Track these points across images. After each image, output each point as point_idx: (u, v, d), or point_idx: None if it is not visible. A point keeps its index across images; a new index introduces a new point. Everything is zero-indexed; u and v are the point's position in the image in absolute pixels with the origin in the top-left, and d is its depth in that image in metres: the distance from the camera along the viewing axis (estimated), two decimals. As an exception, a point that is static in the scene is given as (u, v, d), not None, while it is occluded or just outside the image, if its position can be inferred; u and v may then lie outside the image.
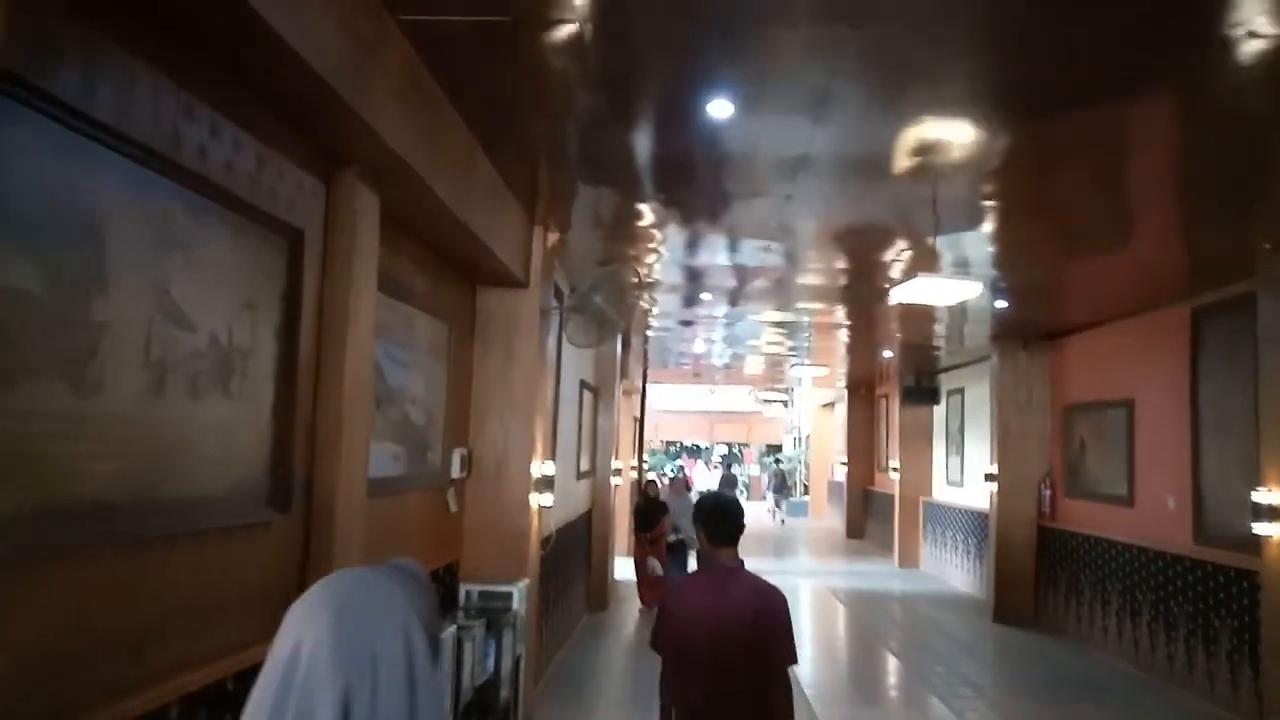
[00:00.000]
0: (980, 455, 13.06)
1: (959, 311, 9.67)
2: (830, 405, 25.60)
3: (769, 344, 12.92)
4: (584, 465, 9.73)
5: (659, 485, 10.70)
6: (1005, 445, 10.77)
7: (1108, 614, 8.85)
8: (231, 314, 2.71)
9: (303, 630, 1.30)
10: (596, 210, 5.89)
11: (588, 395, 9.95)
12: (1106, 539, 8.99)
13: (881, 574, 15.01)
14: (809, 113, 4.03)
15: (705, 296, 8.69)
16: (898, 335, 11.89)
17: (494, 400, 5.81)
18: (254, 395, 2.88)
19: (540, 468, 5.95)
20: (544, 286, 6.01)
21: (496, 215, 5.16)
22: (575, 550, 9.32)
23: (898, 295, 5.61)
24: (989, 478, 10.90)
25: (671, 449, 36.64)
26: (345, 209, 3.34)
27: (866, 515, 20.08)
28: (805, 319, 10.52)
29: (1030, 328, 10.48)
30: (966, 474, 13.85)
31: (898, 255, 6.62)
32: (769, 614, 3.02)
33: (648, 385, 20.60)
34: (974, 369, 13.59)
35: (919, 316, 10.12)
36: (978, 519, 12.87)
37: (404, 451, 4.52)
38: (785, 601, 3.08)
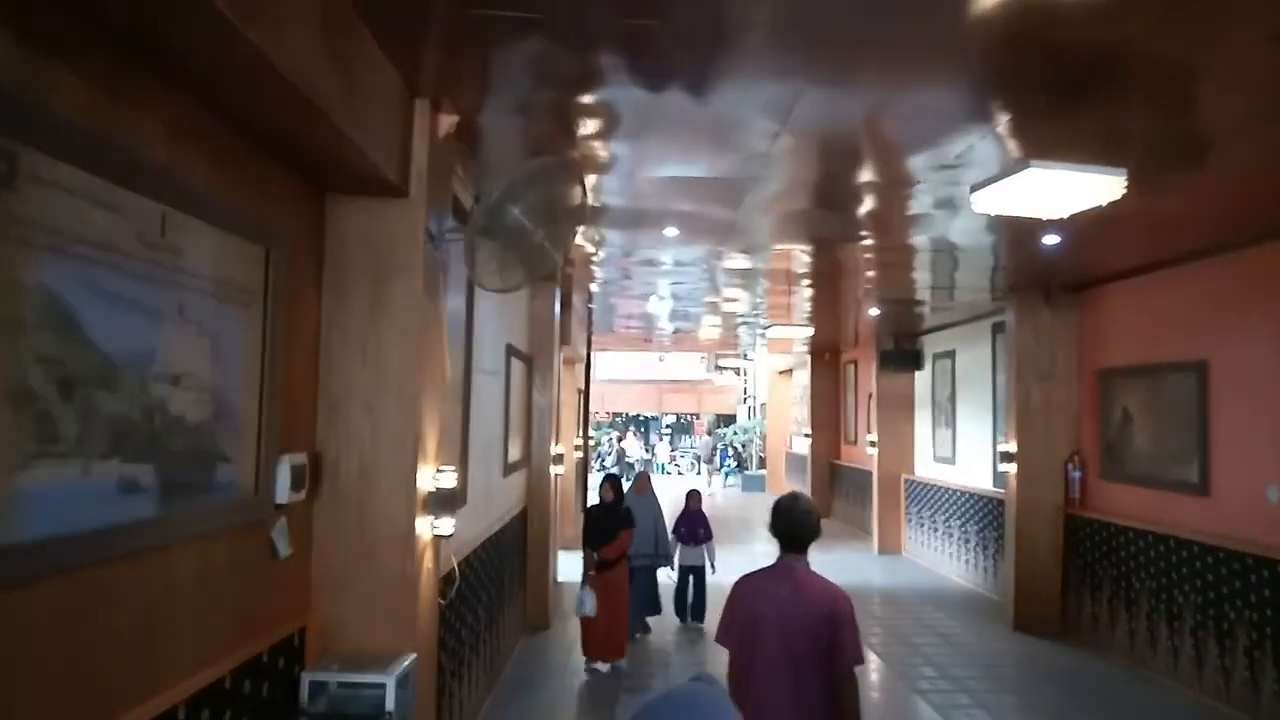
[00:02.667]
0: (978, 429, 11.31)
1: (949, 259, 7.79)
2: (788, 372, 23.86)
3: (726, 300, 10.93)
4: (514, 455, 7.66)
5: (621, 482, 7.89)
6: (1024, 419, 8.96)
7: (1175, 632, 7.09)
8: None
9: None
10: (520, 74, 3.80)
11: (518, 365, 7.86)
12: (1167, 535, 7.23)
13: (860, 562, 13.24)
14: None
15: (669, 232, 6.62)
16: (870, 290, 9.95)
17: (355, 375, 3.70)
18: None
19: (435, 477, 3.88)
20: (434, 197, 3.89)
21: (353, 77, 3.07)
22: (506, 564, 7.27)
23: (984, 202, 3.61)
24: (1005, 458, 9.10)
25: (618, 420, 34.68)
26: None
27: (834, 492, 18.38)
28: (766, 265, 8.46)
29: (1053, 276, 8.65)
30: (960, 449, 12.09)
31: (945, 156, 4.64)
32: (838, 614, 3.13)
33: (593, 353, 18.58)
34: (968, 329, 11.80)
35: (900, 265, 8.19)
36: (977, 502, 11.12)
37: (149, 473, 2.41)
38: (851, 603, 3.20)
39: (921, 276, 8.88)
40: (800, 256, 7.98)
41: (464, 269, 3.83)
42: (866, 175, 5.21)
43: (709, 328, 14.73)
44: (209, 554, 2.77)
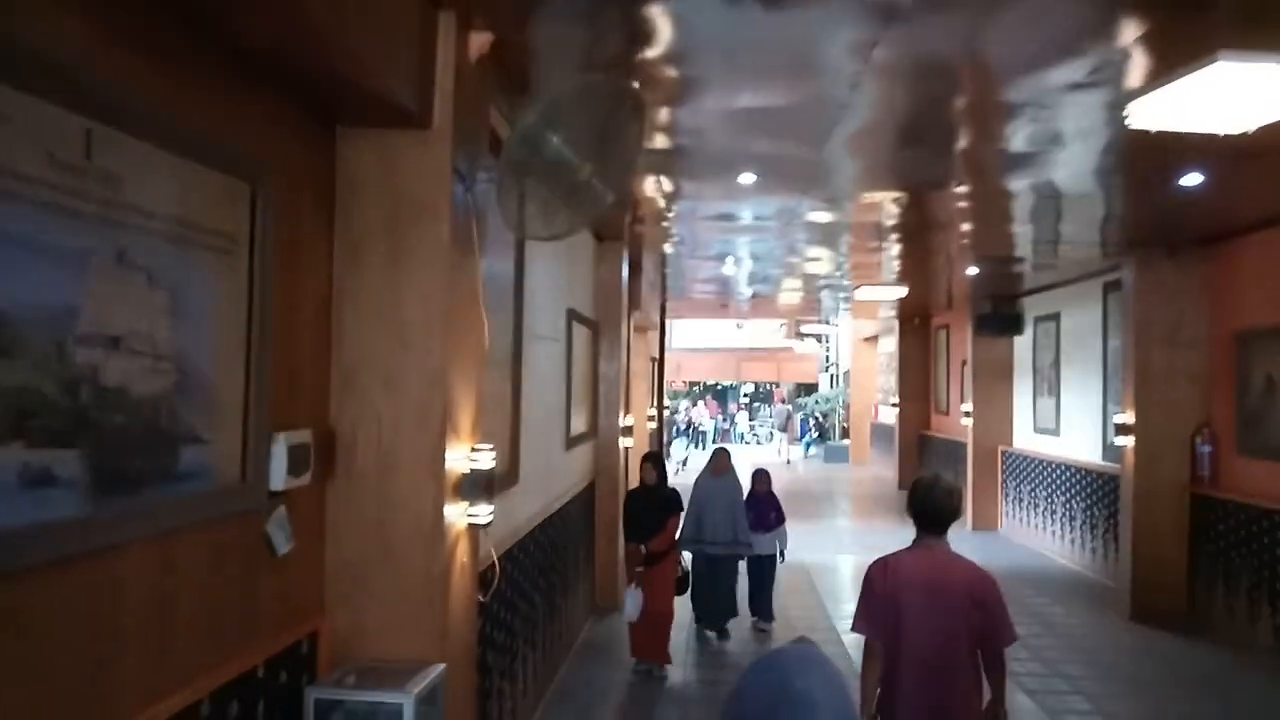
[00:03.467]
0: (1085, 398, 10.34)
1: (1055, 207, 6.87)
2: (873, 339, 22.88)
3: (807, 260, 10.13)
4: (578, 427, 7.12)
5: (664, 461, 7.04)
6: (1144, 387, 8.03)
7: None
8: None
9: None
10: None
11: (582, 331, 7.30)
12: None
13: (952, 539, 12.39)
14: None
15: (745, 179, 5.91)
16: (965, 245, 9.03)
17: (372, 339, 3.16)
18: None
19: (470, 457, 3.33)
20: (464, 129, 3.30)
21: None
22: (571, 543, 6.77)
23: (1146, 114, 2.84)
24: (1121, 430, 8.18)
25: (694, 389, 34.05)
26: None
27: (923, 465, 17.44)
28: (850, 219, 7.63)
29: (1180, 227, 7.66)
30: (1065, 420, 11.13)
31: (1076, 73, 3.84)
32: (987, 597, 3.05)
33: (667, 320, 17.96)
34: (1076, 289, 10.80)
35: (1000, 216, 7.30)
36: (1084, 477, 10.19)
37: (72, 461, 1.89)
38: (998, 584, 3.14)
39: (1023, 230, 7.97)
40: (889, 207, 7.18)
41: (507, 212, 3.24)
42: (966, 101, 4.43)
43: (789, 291, 13.95)
44: (174, 555, 2.26)
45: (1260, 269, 7.24)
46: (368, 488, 3.11)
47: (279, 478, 2.70)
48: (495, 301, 4.21)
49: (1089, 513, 10.06)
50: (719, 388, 36.11)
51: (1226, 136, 4.48)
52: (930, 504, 3.18)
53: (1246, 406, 7.32)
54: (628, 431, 8.47)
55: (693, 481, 7.60)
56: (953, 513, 3.20)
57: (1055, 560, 10.78)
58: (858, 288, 9.27)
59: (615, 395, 8.26)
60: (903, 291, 9.27)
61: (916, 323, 17.74)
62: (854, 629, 3.19)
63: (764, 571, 7.80)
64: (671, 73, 4.13)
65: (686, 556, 7.11)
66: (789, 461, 25.00)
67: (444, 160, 3.20)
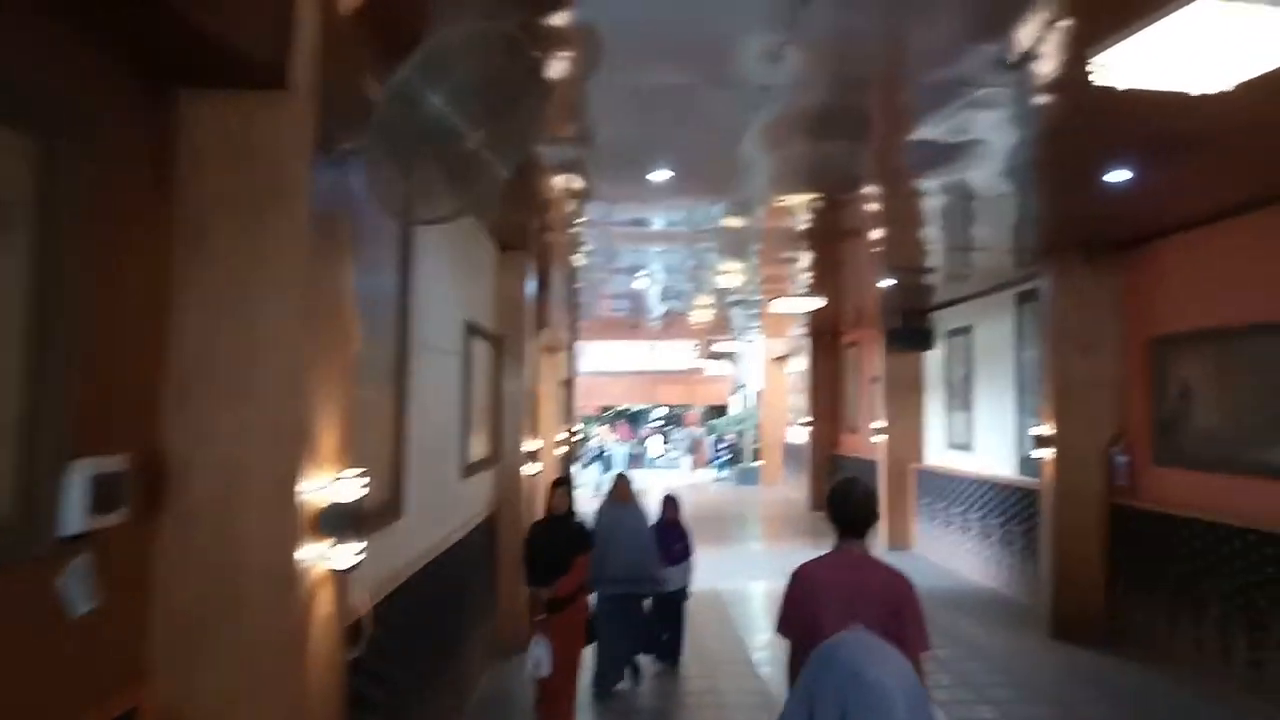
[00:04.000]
0: (999, 411, 10.27)
1: (966, 211, 6.72)
2: (783, 359, 22.82)
3: (719, 273, 9.83)
4: (478, 452, 6.56)
5: (568, 491, 5.88)
6: (1063, 398, 7.92)
7: (1258, 642, 6.02)
8: None
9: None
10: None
11: (481, 346, 6.75)
12: (1247, 529, 6.18)
13: (869, 560, 12.18)
14: None
15: (657, 177, 5.50)
16: (877, 253, 8.84)
17: (215, 343, 2.60)
18: None
19: (332, 487, 2.77)
20: (332, 91, 2.78)
21: None
22: (469, 580, 6.19)
23: (1114, 68, 2.52)
24: (1041, 442, 8.04)
25: (607, 413, 33.57)
26: None
27: (835, 484, 17.31)
28: (763, 225, 7.34)
29: (1096, 234, 7.60)
30: (979, 435, 11.05)
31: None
32: (903, 602, 3.03)
33: (578, 341, 17.48)
34: (987, 301, 10.78)
35: (911, 219, 7.08)
36: (1000, 493, 10.08)
37: None
38: (914, 588, 3.11)
39: (936, 236, 7.79)
40: (801, 214, 6.89)
41: (391, 195, 2.72)
42: (884, 86, 4.14)
43: (701, 309, 13.67)
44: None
45: (1175, 274, 7.20)
46: (205, 524, 2.53)
47: (76, 517, 2.11)
48: (374, 302, 3.67)
49: (1005, 529, 9.94)
50: (631, 411, 35.71)
51: (1162, 121, 4.31)
52: (848, 506, 3.19)
53: (1162, 415, 7.25)
54: (533, 457, 7.93)
55: (594, 511, 6.78)
56: (873, 514, 3.21)
57: (972, 579, 10.65)
58: (772, 299, 8.97)
59: (520, 417, 7.71)
60: (819, 303, 8.99)
61: (827, 341, 17.69)
62: (778, 631, 3.19)
63: (671, 610, 7.01)
64: (576, 41, 3.68)
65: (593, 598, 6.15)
66: (692, 484, 24.82)
67: (305, 128, 2.67)
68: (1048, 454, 7.98)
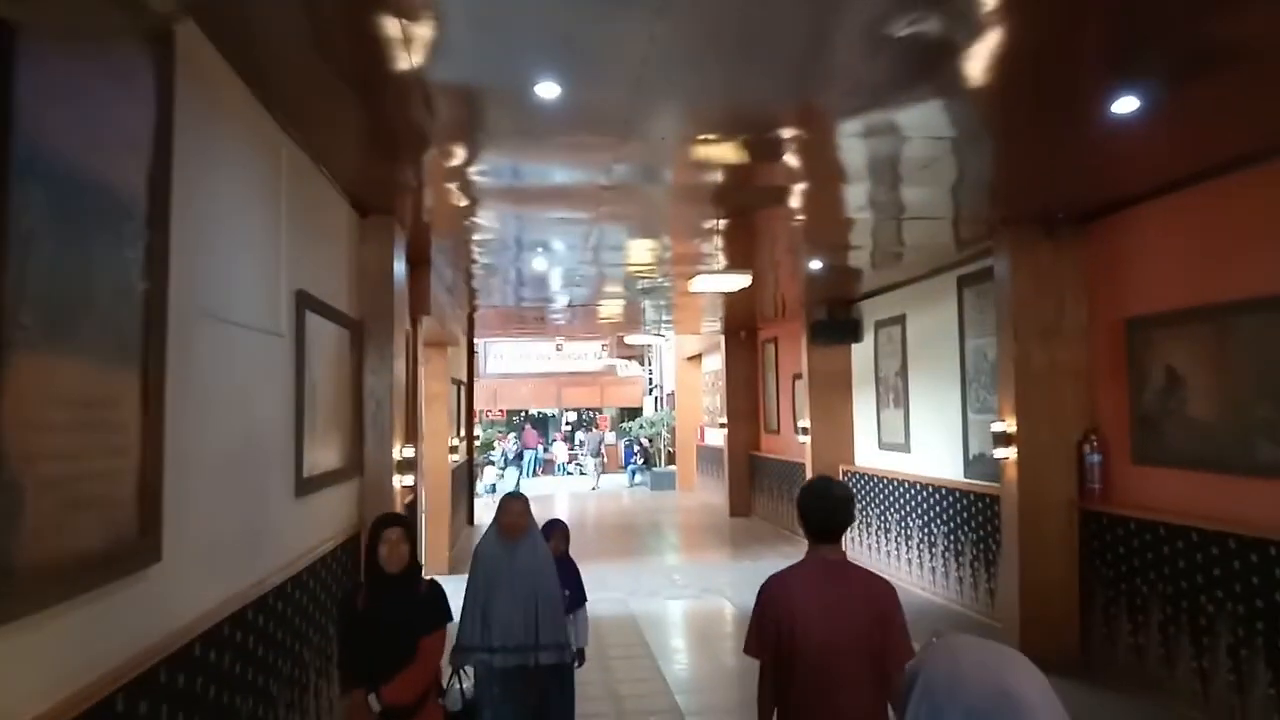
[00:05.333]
0: (939, 407, 9.27)
1: (895, 176, 5.65)
2: (696, 358, 21.74)
3: (628, 252, 8.57)
4: (323, 462, 5.10)
5: (407, 536, 3.78)
6: (1026, 389, 6.88)
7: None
8: None
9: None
10: None
11: (328, 329, 5.30)
12: (1257, 539, 5.19)
13: (797, 573, 11.06)
14: None
15: (544, 90, 4.15)
16: (797, 227, 7.73)
17: None
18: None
19: None
20: None
21: None
22: (308, 631, 4.73)
23: None
24: (1001, 440, 6.99)
25: (514, 418, 31.96)
26: None
27: (754, 489, 16.26)
28: (670, 182, 6.14)
29: (1061, 200, 6.61)
30: (916, 434, 10.04)
31: None
32: (887, 612, 2.83)
33: (477, 337, 15.96)
34: (922, 287, 9.79)
35: (834, 176, 5.92)
36: (944, 498, 9.06)
37: None
38: (896, 593, 2.91)
39: (865, 202, 6.63)
40: (711, 173, 5.65)
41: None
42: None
43: (609, 300, 12.38)
44: None
45: (1155, 246, 6.22)
46: None
47: None
48: (75, 221, 2.27)
49: (953, 537, 8.92)
50: (539, 416, 34.18)
51: (1200, 26, 3.20)
52: (824, 510, 2.92)
53: (1143, 406, 6.26)
54: (407, 467, 6.48)
55: (474, 551, 4.52)
56: (849, 518, 2.95)
57: (915, 592, 9.59)
58: (691, 278, 7.71)
59: (387, 419, 6.27)
60: (743, 280, 7.76)
61: (743, 336, 16.62)
62: (746, 651, 2.95)
63: (557, 679, 4.56)
64: None
65: (466, 676, 4.21)
66: (594, 489, 23.75)
67: None
68: (1008, 454, 6.94)
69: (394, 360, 6.39)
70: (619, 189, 5.90)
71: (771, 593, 2.91)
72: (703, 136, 4.90)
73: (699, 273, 8.36)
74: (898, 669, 2.66)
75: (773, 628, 2.82)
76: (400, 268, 6.66)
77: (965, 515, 8.60)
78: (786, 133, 4.84)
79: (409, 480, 6.61)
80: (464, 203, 6.34)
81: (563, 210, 6.64)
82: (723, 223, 7.04)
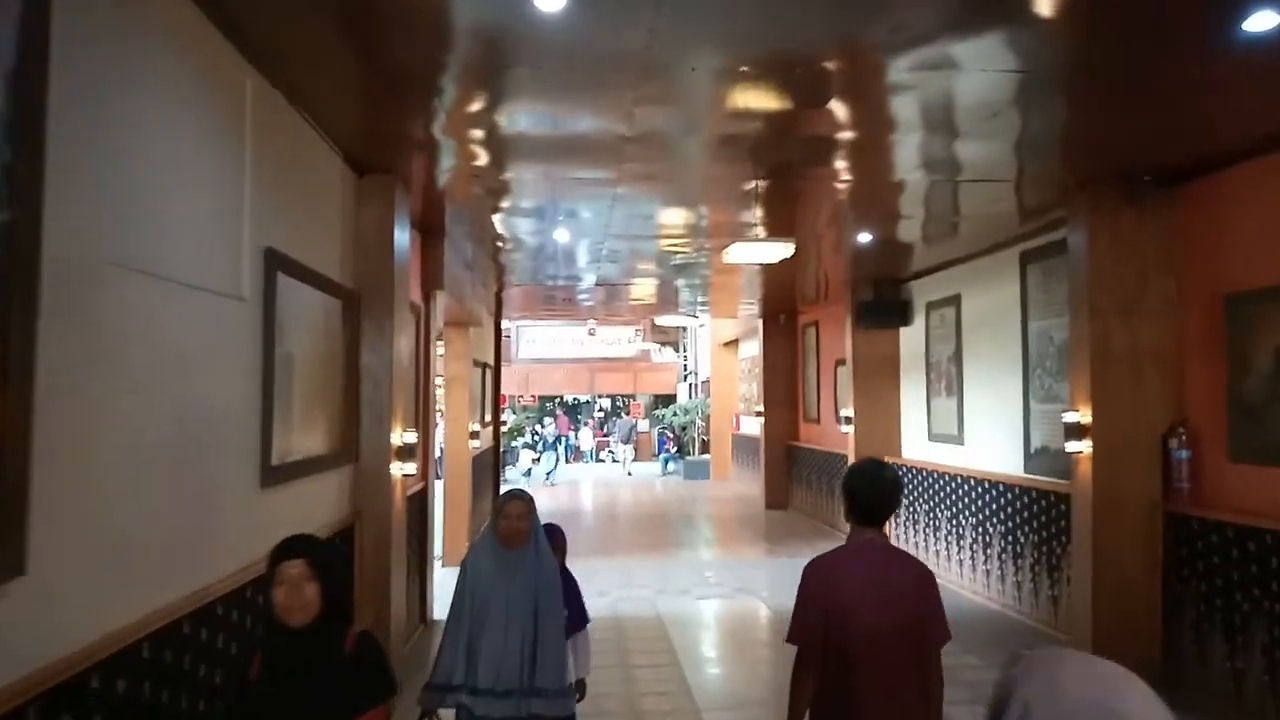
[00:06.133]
0: (997, 396, 8.49)
1: (948, 145, 4.92)
2: (733, 344, 21.02)
3: (661, 223, 7.88)
4: (299, 448, 4.48)
5: (335, 569, 2.66)
6: (1102, 375, 6.10)
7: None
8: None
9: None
10: None
11: (312, 297, 4.69)
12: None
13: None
14: None
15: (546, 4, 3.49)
16: (844, 196, 6.98)
17: None
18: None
19: None
20: None
21: None
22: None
23: None
24: (1073, 432, 6.20)
25: (546, 404, 31.43)
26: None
27: (792, 480, 15.52)
28: (705, 135, 5.45)
29: (1144, 162, 5.81)
30: (971, 425, 9.26)
31: None
32: (931, 591, 2.83)
33: (504, 319, 15.37)
34: (979, 265, 9.01)
35: (880, 162, 5.20)
36: (1001, 493, 8.29)
37: None
38: (934, 576, 2.89)
39: (915, 174, 5.91)
40: (750, 122, 4.94)
41: None
42: None
43: (641, 280, 11.71)
44: None
45: (1264, 210, 5.40)
46: None
47: None
48: None
49: (1010, 539, 8.14)
50: (573, 402, 33.61)
51: None
52: (875, 494, 2.85)
53: (1244, 394, 5.45)
54: (406, 454, 5.87)
55: (462, 563, 3.74)
56: (897, 503, 2.90)
57: (966, 596, 8.84)
58: (727, 248, 6.98)
59: (386, 401, 5.66)
60: (787, 249, 7.02)
61: (782, 321, 15.86)
62: (789, 640, 2.81)
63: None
64: None
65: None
66: (629, 474, 23.31)
67: None
68: (1081, 447, 6.16)
69: (395, 336, 5.78)
70: (643, 140, 5.20)
71: (818, 573, 2.85)
72: (738, 68, 4.18)
73: (738, 238, 7.64)
74: (939, 648, 2.78)
75: (818, 613, 2.76)
76: (404, 235, 6.04)
77: (1026, 514, 7.82)
78: (830, 65, 4.11)
79: (410, 469, 5.99)
80: (469, 160, 5.70)
81: (582, 168, 5.95)
82: (762, 184, 6.30)
